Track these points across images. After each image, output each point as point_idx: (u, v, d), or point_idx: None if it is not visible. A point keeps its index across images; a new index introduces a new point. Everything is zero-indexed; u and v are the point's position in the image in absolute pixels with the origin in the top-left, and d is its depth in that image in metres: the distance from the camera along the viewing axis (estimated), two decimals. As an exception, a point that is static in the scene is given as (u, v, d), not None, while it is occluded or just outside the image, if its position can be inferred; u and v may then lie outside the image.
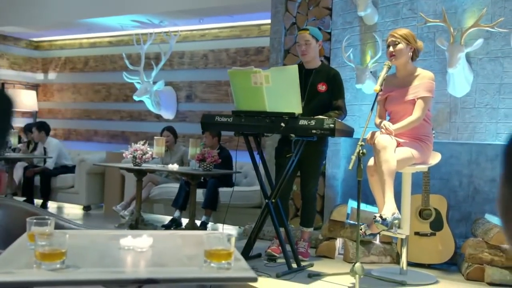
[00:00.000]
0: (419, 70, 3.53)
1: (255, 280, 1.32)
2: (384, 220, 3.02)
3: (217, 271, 1.37)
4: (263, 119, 3.47)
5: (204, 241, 1.43)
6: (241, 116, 3.56)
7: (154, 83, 7.14)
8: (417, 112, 3.40)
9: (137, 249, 1.57)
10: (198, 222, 5.74)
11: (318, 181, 4.05)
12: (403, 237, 3.45)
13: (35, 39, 9.08)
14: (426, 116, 3.48)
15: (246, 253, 3.65)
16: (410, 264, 3.85)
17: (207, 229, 5.82)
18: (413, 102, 3.44)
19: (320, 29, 4.67)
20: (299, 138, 3.49)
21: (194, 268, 1.40)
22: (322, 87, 3.87)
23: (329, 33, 4.66)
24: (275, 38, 4.86)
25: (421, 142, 3.43)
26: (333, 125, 3.29)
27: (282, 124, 3.39)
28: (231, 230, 5.85)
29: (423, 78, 3.47)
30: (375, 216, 3.05)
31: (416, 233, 3.90)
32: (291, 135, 3.40)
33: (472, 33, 3.83)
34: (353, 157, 3.17)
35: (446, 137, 4.08)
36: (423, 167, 3.51)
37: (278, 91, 3.43)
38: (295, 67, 3.45)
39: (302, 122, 3.37)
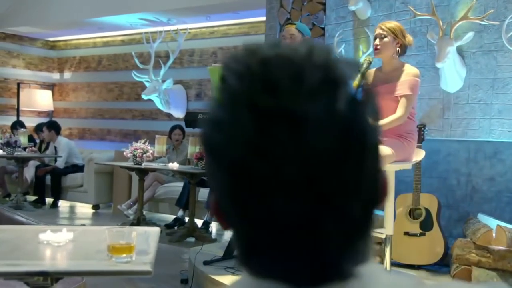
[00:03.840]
0: (406, 66, 3.50)
1: (149, 273, 1.38)
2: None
3: (115, 264, 1.44)
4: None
5: (106, 236, 1.51)
6: (222, 113, 3.62)
7: (163, 81, 7.26)
8: (399, 111, 3.38)
9: (54, 243, 1.66)
10: (200, 221, 5.84)
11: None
12: (383, 236, 3.45)
13: (51, 39, 9.37)
14: (410, 113, 3.46)
15: (227, 252, 3.71)
16: (398, 265, 3.85)
17: (210, 228, 5.91)
18: (396, 100, 3.43)
19: (314, 24, 4.69)
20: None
21: (93, 262, 1.47)
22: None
23: (323, 29, 4.68)
24: (270, 34, 4.91)
25: (403, 140, 3.42)
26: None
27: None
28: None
29: (408, 74, 3.44)
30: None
31: (406, 233, 3.89)
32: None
33: (464, 26, 3.79)
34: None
35: (439, 134, 4.05)
36: (406, 165, 3.49)
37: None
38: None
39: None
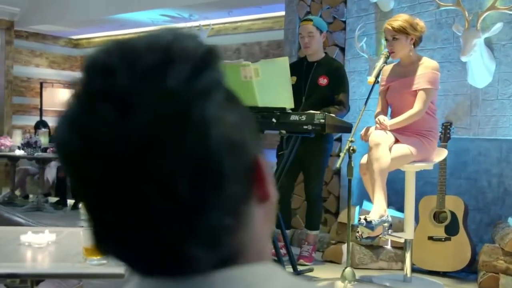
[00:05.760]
0: (423, 59, 3.42)
1: (121, 276, 1.39)
2: (369, 223, 2.98)
3: (88, 267, 1.46)
4: (254, 115, 3.50)
5: (81, 238, 1.53)
6: (234, 112, 3.62)
7: (185, 79, 7.32)
8: (417, 106, 3.32)
9: (35, 245, 1.69)
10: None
11: (322, 181, 4.05)
12: (402, 240, 3.39)
13: (74, 37, 9.56)
14: (430, 109, 3.40)
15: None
16: (422, 271, 3.78)
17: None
18: (414, 94, 3.36)
19: (334, 18, 4.65)
20: (293, 135, 3.51)
21: (68, 264, 1.49)
22: (323, 81, 3.87)
23: (344, 22, 4.63)
24: (289, 29, 4.88)
25: (422, 138, 3.35)
26: (323, 120, 3.28)
27: (273, 120, 3.42)
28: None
29: (426, 68, 3.37)
30: (360, 218, 3.02)
31: (430, 238, 3.81)
32: (282, 131, 3.42)
33: (492, 16, 3.70)
34: (342, 154, 3.17)
35: (466, 132, 3.96)
36: (427, 165, 3.42)
37: (269, 85, 3.47)
38: (285, 59, 3.48)
39: (293, 117, 3.39)
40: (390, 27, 3.32)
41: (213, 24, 7.33)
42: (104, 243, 0.51)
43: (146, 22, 8.00)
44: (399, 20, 3.35)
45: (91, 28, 8.71)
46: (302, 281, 0.55)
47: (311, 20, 3.92)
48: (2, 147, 7.17)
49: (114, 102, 0.46)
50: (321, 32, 3.91)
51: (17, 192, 7.77)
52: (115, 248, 0.50)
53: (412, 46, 3.38)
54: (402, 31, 3.30)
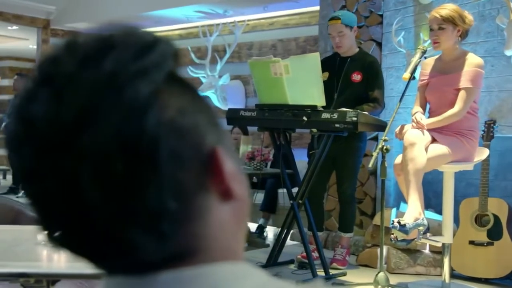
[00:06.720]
0: (469, 56, 3.30)
1: (98, 277, 1.40)
2: (402, 226, 2.91)
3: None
4: (285, 113, 3.50)
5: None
6: (264, 109, 3.62)
7: (220, 77, 7.33)
8: (458, 106, 3.21)
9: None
10: (255, 226, 5.85)
11: (355, 182, 3.99)
12: (439, 245, 3.31)
13: (109, 35, 9.73)
14: (471, 108, 3.29)
15: (270, 259, 3.70)
16: (463, 277, 3.69)
17: (264, 233, 5.91)
18: (455, 92, 3.26)
19: (371, 11, 4.58)
20: (324, 133, 3.47)
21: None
22: (356, 77, 3.81)
23: (381, 16, 4.55)
24: (324, 24, 4.82)
25: (462, 137, 3.25)
26: (355, 118, 3.24)
27: (304, 118, 3.39)
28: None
29: (470, 65, 3.25)
30: (393, 221, 2.96)
31: (471, 242, 3.71)
32: (313, 130, 3.39)
33: (539, 7, 3.56)
34: (375, 154, 3.11)
35: (510, 131, 3.83)
36: (467, 166, 3.33)
37: (299, 82, 3.44)
38: (316, 55, 3.44)
39: (325, 115, 3.36)
40: (437, 15, 3.20)
41: (248, 20, 7.33)
42: (51, 235, 0.51)
43: (181, 18, 8.08)
44: (447, 9, 3.23)
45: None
46: (277, 280, 0.54)
47: (338, 18, 3.82)
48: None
49: (52, 86, 0.48)
50: (351, 28, 3.84)
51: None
52: (63, 240, 0.51)
53: (458, 39, 3.28)
54: (450, 20, 3.19)
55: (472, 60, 3.26)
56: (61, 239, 0.51)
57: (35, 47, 9.68)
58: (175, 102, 0.50)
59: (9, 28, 9.68)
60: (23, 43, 10.93)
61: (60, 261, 1.62)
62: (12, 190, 7.90)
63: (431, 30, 3.28)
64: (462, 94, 3.21)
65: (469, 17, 3.27)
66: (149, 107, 0.47)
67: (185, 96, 0.52)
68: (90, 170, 0.46)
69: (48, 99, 0.48)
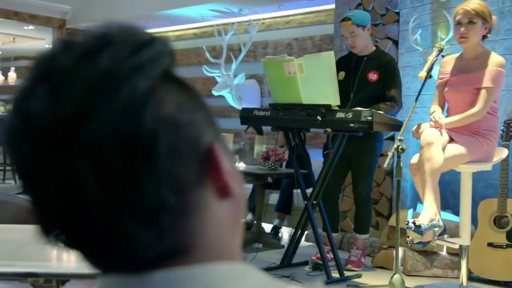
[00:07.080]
0: (491, 55, 3.24)
1: (93, 277, 1.40)
2: (418, 227, 2.89)
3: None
4: (299, 112, 3.48)
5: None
6: (278, 109, 3.61)
7: (235, 76, 7.33)
8: (478, 105, 3.16)
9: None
10: (270, 226, 5.84)
11: (371, 182, 3.96)
12: (455, 246, 3.27)
13: (124, 35, 9.79)
14: (491, 107, 3.24)
15: (284, 260, 3.69)
16: (481, 280, 3.65)
17: (279, 234, 5.89)
18: (474, 92, 3.22)
19: (388, 9, 4.55)
20: (339, 133, 3.45)
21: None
22: (373, 76, 3.78)
23: (397, 13, 4.52)
24: (338, 22, 4.80)
25: (480, 137, 3.21)
26: (370, 118, 3.22)
27: (318, 118, 3.38)
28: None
29: (491, 64, 3.19)
30: (408, 222, 2.93)
31: (490, 244, 3.67)
32: (327, 129, 3.38)
33: (560, 4, 3.51)
34: (390, 154, 3.09)
35: (530, 130, 3.77)
36: (484, 166, 3.29)
37: (314, 81, 3.43)
38: (331, 53, 3.43)
39: (340, 115, 3.34)
40: (468, 8, 3.13)
41: (263, 19, 7.32)
42: (49, 232, 0.52)
43: (196, 17, 8.09)
44: (477, 3, 3.16)
45: (141, 24, 8.88)
46: (277, 281, 0.53)
47: (349, 19, 3.79)
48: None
49: (49, 83, 0.48)
50: (363, 27, 3.81)
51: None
52: (62, 236, 0.51)
53: (482, 37, 3.24)
54: (481, 15, 3.12)
55: (494, 59, 3.21)
56: (60, 235, 0.51)
57: (51, 47, 9.78)
58: (172, 98, 0.50)
59: (25, 28, 9.79)
60: (39, 43, 11.05)
61: (70, 261, 1.63)
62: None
63: (458, 23, 3.19)
64: (483, 93, 3.17)
65: (493, 16, 3.23)
66: (146, 103, 0.48)
67: (182, 93, 0.52)
68: (88, 166, 0.47)
69: (45, 95, 0.48)
